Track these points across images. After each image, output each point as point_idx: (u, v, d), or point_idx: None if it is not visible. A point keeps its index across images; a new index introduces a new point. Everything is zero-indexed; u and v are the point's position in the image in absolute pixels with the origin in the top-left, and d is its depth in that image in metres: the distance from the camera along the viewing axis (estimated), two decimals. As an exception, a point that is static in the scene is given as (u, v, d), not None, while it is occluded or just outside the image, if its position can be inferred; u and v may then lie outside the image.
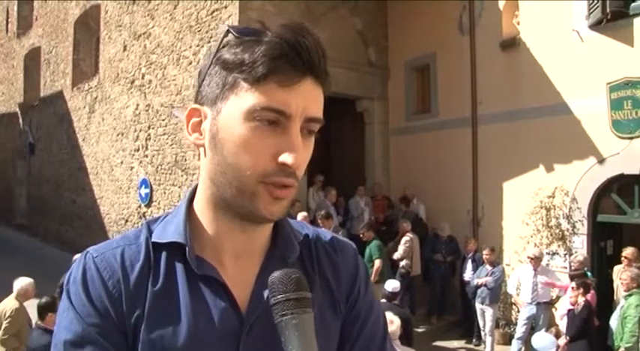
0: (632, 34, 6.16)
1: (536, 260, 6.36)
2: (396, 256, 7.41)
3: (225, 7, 7.70)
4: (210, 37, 8.02)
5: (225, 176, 0.71)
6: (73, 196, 12.85)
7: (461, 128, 8.18)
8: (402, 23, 9.13)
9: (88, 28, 12.95)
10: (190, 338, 0.71)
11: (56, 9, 14.15)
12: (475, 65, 8.03)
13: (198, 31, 8.31)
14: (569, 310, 5.51)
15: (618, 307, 5.40)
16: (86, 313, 0.70)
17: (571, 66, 6.71)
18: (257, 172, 0.69)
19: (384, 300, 5.16)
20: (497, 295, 6.94)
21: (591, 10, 6.44)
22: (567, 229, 6.85)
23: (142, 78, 9.95)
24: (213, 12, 7.98)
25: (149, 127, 9.70)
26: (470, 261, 7.37)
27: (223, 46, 0.72)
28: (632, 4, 6.20)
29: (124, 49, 10.71)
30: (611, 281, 6.24)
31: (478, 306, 6.96)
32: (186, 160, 8.58)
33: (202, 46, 8.22)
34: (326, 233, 0.90)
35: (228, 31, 0.72)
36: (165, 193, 9.18)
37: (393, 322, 3.87)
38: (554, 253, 6.91)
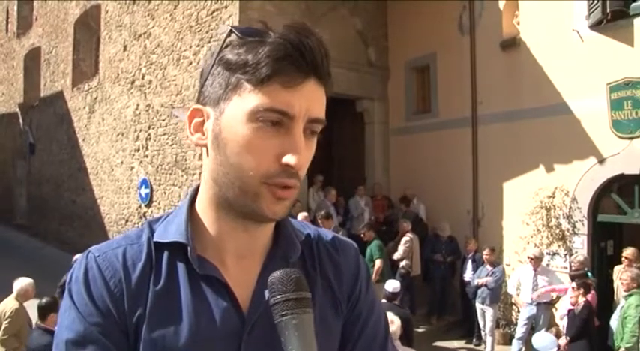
0: (632, 34, 6.16)
1: (536, 260, 6.36)
2: (396, 256, 7.41)
3: (226, 7, 7.70)
4: (211, 38, 8.02)
5: (228, 176, 0.72)
6: (73, 197, 12.85)
7: (461, 128, 8.18)
8: (402, 23, 9.13)
9: (88, 28, 12.95)
10: (192, 338, 0.71)
11: (56, 9, 14.16)
12: (475, 65, 8.03)
13: (199, 31, 8.31)
14: (569, 310, 5.51)
15: (618, 307, 5.40)
16: (88, 313, 0.71)
17: (571, 66, 6.72)
18: (260, 172, 0.69)
19: (384, 300, 5.16)
20: (498, 295, 6.94)
21: (591, 10, 6.44)
22: (567, 229, 6.85)
23: (142, 78, 9.96)
24: (213, 12, 7.98)
25: (149, 128, 9.70)
26: (470, 261, 7.37)
27: (226, 47, 0.72)
28: (632, 4, 6.20)
29: (124, 49, 10.72)
30: (612, 281, 6.24)
31: (478, 306, 6.96)
32: (186, 160, 8.58)
33: (202, 47, 8.22)
34: (328, 233, 0.91)
35: (231, 32, 0.72)
36: (165, 193, 9.18)
37: (394, 322, 3.87)
38: (554, 253, 6.91)
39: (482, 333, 7.07)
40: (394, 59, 9.43)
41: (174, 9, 8.98)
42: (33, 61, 15.65)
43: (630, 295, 5.13)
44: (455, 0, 8.22)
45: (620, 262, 6.02)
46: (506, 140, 7.61)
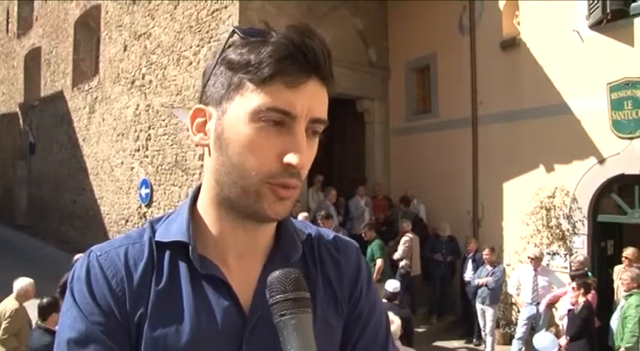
0: (633, 34, 6.16)
1: (536, 260, 6.36)
2: (396, 256, 7.41)
3: (226, 8, 7.70)
4: (211, 38, 8.02)
5: (230, 176, 0.72)
6: (73, 197, 12.85)
7: (461, 128, 8.18)
8: (403, 23, 9.13)
9: (88, 29, 12.96)
10: (193, 337, 0.71)
11: (56, 9, 14.16)
12: (475, 65, 8.03)
13: (199, 31, 8.31)
14: (569, 310, 5.51)
15: (618, 308, 5.40)
16: (90, 312, 0.71)
17: (571, 66, 6.71)
18: (262, 172, 0.69)
19: (384, 300, 5.16)
20: (498, 295, 6.94)
21: (591, 10, 6.44)
22: (567, 230, 6.85)
23: (143, 78, 9.96)
24: (213, 12, 7.98)
25: (149, 128, 9.71)
26: (470, 261, 7.38)
27: (229, 47, 0.72)
28: (632, 4, 6.20)
29: (125, 49, 10.72)
30: (612, 281, 6.24)
31: (478, 306, 6.96)
32: (186, 160, 8.58)
33: (202, 47, 8.22)
34: (329, 233, 0.91)
35: (233, 32, 0.72)
36: (165, 193, 9.18)
37: (394, 322, 3.87)
38: (554, 254, 6.91)
39: (483, 333, 7.07)
40: (394, 59, 9.44)
41: (175, 9, 8.99)
42: (33, 61, 15.66)
43: (630, 295, 5.13)
44: (455, 0, 8.22)
45: (620, 262, 6.02)
46: (506, 140, 7.61)
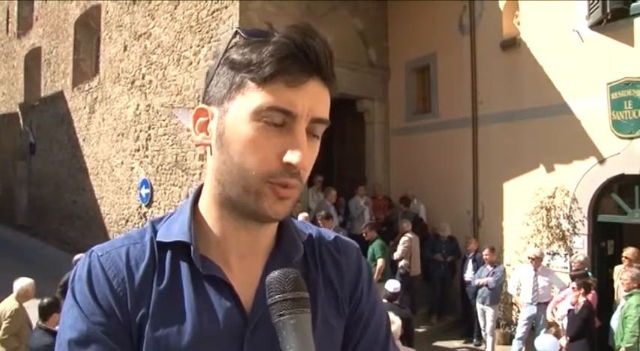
0: (633, 34, 6.16)
1: (536, 260, 6.36)
2: (395, 256, 7.41)
3: (226, 8, 7.70)
4: (211, 38, 8.02)
5: (231, 175, 0.72)
6: (73, 197, 12.85)
7: (461, 128, 8.18)
8: (403, 23, 9.13)
9: (88, 29, 12.96)
10: (195, 337, 0.71)
11: (56, 9, 14.16)
12: (475, 65, 8.03)
13: (199, 31, 8.31)
14: (569, 310, 5.51)
15: (619, 308, 5.40)
16: (91, 312, 0.71)
17: (571, 66, 6.72)
18: (262, 171, 0.69)
19: (385, 300, 5.17)
20: (498, 295, 6.94)
21: (591, 10, 6.44)
22: (568, 230, 6.85)
23: (143, 78, 9.96)
24: (213, 12, 7.98)
25: (149, 128, 9.71)
26: (470, 261, 7.38)
27: (232, 47, 0.73)
28: (633, 4, 6.20)
29: (125, 49, 10.72)
30: (612, 281, 6.24)
31: (479, 306, 6.96)
32: (186, 160, 8.58)
33: (203, 47, 8.22)
34: (330, 233, 0.91)
35: (236, 33, 0.73)
36: (165, 193, 9.18)
37: (394, 323, 3.86)
38: (554, 254, 6.91)
39: (483, 333, 7.07)
40: (394, 59, 9.44)
41: (175, 9, 8.99)
42: (33, 61, 15.66)
43: (630, 295, 5.13)
44: (455, 0, 8.22)
45: (620, 262, 6.02)
46: (506, 140, 7.61)
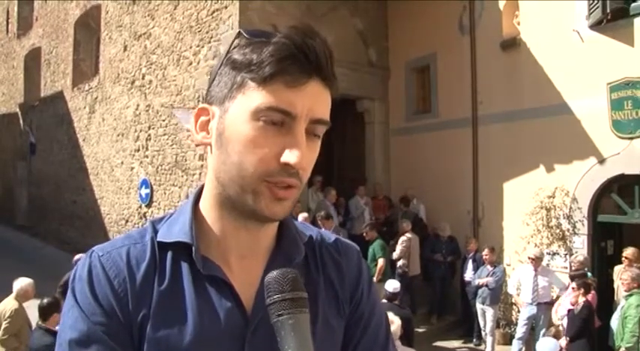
0: (633, 34, 6.16)
1: (536, 260, 6.36)
2: (394, 256, 7.40)
3: (226, 8, 7.70)
4: (211, 38, 8.02)
5: (230, 174, 0.72)
6: (73, 197, 12.85)
7: (461, 128, 8.18)
8: (403, 23, 9.13)
9: (88, 29, 12.96)
10: (196, 338, 0.71)
11: (56, 9, 14.16)
12: (475, 65, 8.03)
13: (199, 31, 8.31)
14: (569, 311, 5.51)
15: (619, 308, 5.40)
16: (92, 312, 0.70)
17: (571, 66, 6.72)
18: (260, 170, 0.69)
19: (384, 300, 5.17)
20: (498, 295, 6.94)
21: (591, 10, 6.44)
22: (568, 230, 6.85)
23: (143, 78, 9.96)
24: (213, 12, 7.98)
25: (149, 128, 9.71)
26: (470, 261, 7.38)
27: (234, 48, 0.73)
28: (633, 4, 6.20)
29: (125, 49, 10.72)
30: (612, 281, 6.24)
31: (479, 306, 6.96)
32: (186, 160, 8.58)
33: (202, 47, 8.22)
34: (330, 235, 0.91)
35: (239, 33, 0.73)
36: (165, 193, 9.18)
37: (394, 323, 3.86)
38: (554, 254, 6.91)
39: (483, 333, 7.07)
40: (394, 59, 9.44)
41: (175, 9, 8.99)
42: (33, 61, 15.66)
43: (631, 295, 5.13)
44: (455, 0, 8.22)
45: (620, 262, 6.02)
46: (506, 140, 7.61)
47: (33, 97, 15.49)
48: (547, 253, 6.89)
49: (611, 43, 6.34)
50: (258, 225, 0.77)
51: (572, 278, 5.84)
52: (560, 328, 5.88)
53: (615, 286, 6.02)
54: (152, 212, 9.53)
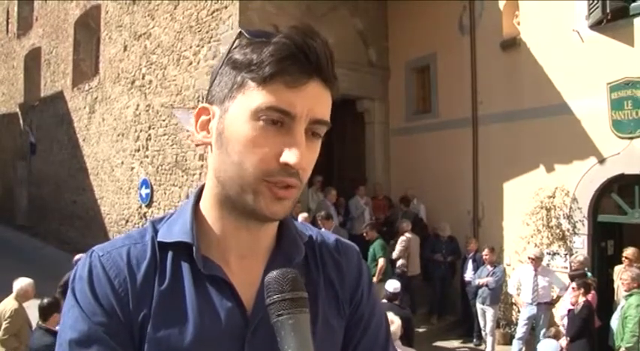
0: (633, 34, 6.16)
1: (536, 260, 6.36)
2: (393, 255, 7.40)
3: (226, 8, 7.70)
4: (211, 38, 8.02)
5: (230, 174, 0.72)
6: (73, 197, 12.86)
7: (461, 128, 8.18)
8: (403, 23, 9.13)
9: (88, 29, 12.96)
10: (197, 338, 0.71)
11: (56, 9, 14.17)
12: (475, 65, 8.03)
13: (199, 31, 8.31)
14: (569, 311, 5.51)
15: (619, 308, 5.40)
16: (92, 312, 0.70)
17: (571, 66, 6.72)
18: (260, 170, 0.69)
19: (384, 300, 5.17)
20: (498, 295, 6.94)
21: (591, 10, 6.44)
22: (568, 229, 6.85)
23: (143, 78, 9.96)
24: (213, 12, 7.98)
25: (149, 128, 9.71)
26: (470, 261, 7.38)
27: (235, 48, 0.73)
28: (633, 4, 6.20)
29: (125, 49, 10.72)
30: (612, 281, 6.24)
31: (479, 306, 6.96)
32: (186, 160, 8.58)
33: (202, 47, 8.22)
34: (330, 235, 0.91)
35: (240, 33, 0.73)
36: (165, 193, 9.18)
37: (394, 323, 3.86)
38: (554, 254, 6.91)
39: (483, 333, 7.07)
40: (394, 59, 9.44)
41: (175, 9, 8.99)
42: (33, 61, 15.66)
43: (631, 295, 5.13)
44: (455, 0, 8.22)
45: (620, 262, 6.02)
46: (506, 140, 7.61)
47: (33, 97, 15.49)
48: (547, 253, 6.89)
49: (611, 43, 6.34)
50: (259, 225, 0.77)
51: (572, 278, 5.84)
52: (561, 328, 5.88)
53: (615, 286, 6.02)
54: (152, 212, 9.53)
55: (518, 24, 7.59)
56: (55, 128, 13.99)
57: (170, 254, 0.76)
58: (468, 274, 7.34)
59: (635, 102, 6.11)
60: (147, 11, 9.89)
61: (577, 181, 6.73)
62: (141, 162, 9.98)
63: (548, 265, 6.78)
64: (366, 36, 9.12)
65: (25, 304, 5.01)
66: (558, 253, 6.89)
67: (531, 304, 6.35)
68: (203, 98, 7.19)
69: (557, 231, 6.92)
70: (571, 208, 6.80)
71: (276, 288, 0.66)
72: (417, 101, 9.23)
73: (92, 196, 11.85)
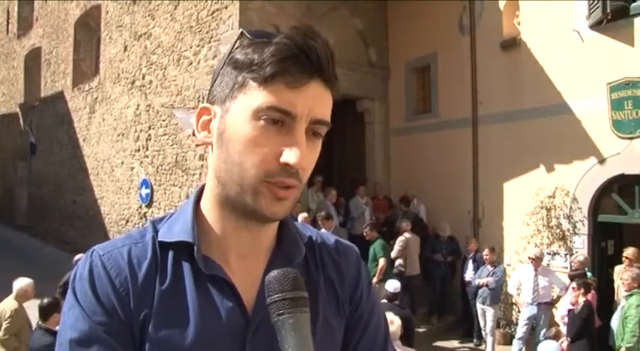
0: (633, 34, 6.16)
1: (536, 260, 6.36)
2: (392, 255, 7.39)
3: (226, 8, 7.71)
4: (211, 38, 8.03)
5: (231, 174, 0.72)
6: (73, 197, 12.86)
7: (461, 128, 8.18)
8: (403, 23, 9.13)
9: (88, 29, 12.96)
10: (198, 338, 0.71)
11: (57, 9, 14.17)
12: (475, 65, 8.03)
13: (199, 31, 8.31)
14: (569, 311, 5.51)
15: (619, 308, 5.40)
16: (92, 311, 0.70)
17: (571, 66, 6.72)
18: (261, 170, 0.70)
19: (385, 300, 5.16)
20: (499, 295, 6.94)
21: (592, 10, 6.44)
22: (568, 229, 6.85)
23: (143, 78, 9.96)
24: (213, 12, 7.98)
25: (149, 128, 9.71)
26: (471, 261, 7.38)
27: (236, 48, 0.73)
28: (633, 4, 6.20)
29: (125, 49, 10.72)
30: (612, 281, 6.24)
31: (479, 306, 6.96)
32: (186, 160, 8.59)
33: (203, 47, 8.22)
34: (329, 236, 0.92)
35: (242, 34, 0.74)
36: (165, 193, 9.19)
37: (393, 323, 3.86)
38: (554, 254, 6.91)
39: (483, 333, 7.07)
40: (394, 59, 9.44)
41: (175, 9, 8.99)
42: (33, 61, 15.66)
43: (631, 295, 5.13)
44: (455, 0, 8.22)
45: (620, 262, 6.02)
46: (506, 140, 7.61)
47: (33, 97, 15.49)
48: (547, 253, 6.89)
49: (611, 43, 6.34)
50: (259, 225, 0.77)
51: (572, 278, 5.84)
52: (561, 328, 5.88)
53: (615, 286, 6.02)
54: (152, 212, 9.53)
55: (519, 24, 7.59)
56: (55, 128, 13.99)
57: (171, 254, 0.76)
58: (468, 274, 7.33)
59: (635, 102, 6.11)
60: (147, 11, 9.89)
61: (577, 181, 6.73)
62: (141, 162, 9.98)
63: (548, 265, 6.78)
64: (366, 36, 9.12)
65: (25, 304, 5.01)
66: (558, 253, 6.89)
67: (531, 304, 6.35)
68: (203, 98, 7.19)
69: (558, 231, 6.92)
70: (571, 208, 6.80)
71: (277, 287, 0.66)
72: (417, 101, 9.23)
73: (92, 196, 11.86)
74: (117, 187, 10.88)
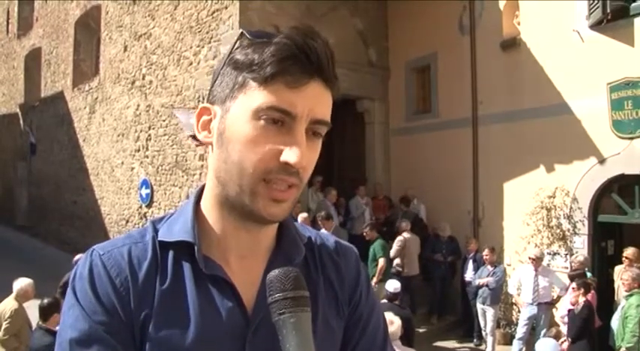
0: (633, 34, 6.16)
1: (537, 261, 6.36)
2: (390, 255, 7.39)
3: (226, 8, 7.71)
4: (211, 38, 8.03)
5: (230, 174, 0.72)
6: (73, 197, 12.86)
7: (461, 128, 8.18)
8: (403, 23, 9.13)
9: (88, 29, 12.96)
10: (198, 337, 0.71)
11: (57, 10, 14.17)
12: (475, 65, 8.03)
13: (199, 31, 8.31)
14: (569, 311, 5.51)
15: (619, 308, 5.40)
16: (93, 311, 0.70)
17: (571, 66, 6.72)
18: (260, 170, 0.70)
19: (385, 300, 5.16)
20: (499, 295, 6.94)
21: (592, 10, 6.44)
22: (568, 230, 6.85)
23: (143, 78, 9.96)
24: (213, 12, 7.98)
25: (150, 128, 9.71)
26: (471, 261, 7.37)
27: (236, 48, 0.73)
28: (633, 4, 6.20)
29: (125, 49, 10.72)
30: (612, 281, 6.23)
31: (479, 306, 6.96)
32: (186, 160, 8.59)
33: (203, 47, 8.22)
34: (329, 237, 0.92)
35: (242, 34, 0.74)
36: (165, 193, 9.19)
37: (393, 323, 3.86)
38: (554, 254, 6.91)
39: (483, 333, 7.07)
40: (394, 59, 9.44)
41: (175, 9, 8.99)
42: (33, 61, 15.66)
43: (631, 295, 5.13)
44: (455, 0, 8.22)
45: (620, 262, 6.02)
46: (506, 140, 7.61)
47: (33, 98, 15.49)
48: (547, 253, 6.89)
49: (611, 43, 6.34)
50: (258, 226, 0.77)
51: (572, 278, 5.84)
52: (561, 327, 5.88)
53: (616, 286, 6.02)
54: (152, 212, 9.53)
55: (519, 24, 7.59)
56: (55, 128, 13.99)
57: (171, 254, 0.76)
58: (468, 274, 7.33)
59: (635, 102, 6.11)
60: (147, 11, 9.89)
61: (577, 181, 6.73)
62: (141, 162, 9.98)
63: (548, 265, 6.78)
64: (366, 36, 9.12)
65: (25, 304, 5.01)
66: (559, 253, 6.89)
67: (532, 304, 6.35)
68: (203, 98, 7.19)
69: (558, 231, 6.92)
70: (571, 208, 6.80)
71: (278, 286, 0.66)
72: (417, 101, 9.23)
73: (92, 197, 11.86)
74: (117, 187, 10.88)
